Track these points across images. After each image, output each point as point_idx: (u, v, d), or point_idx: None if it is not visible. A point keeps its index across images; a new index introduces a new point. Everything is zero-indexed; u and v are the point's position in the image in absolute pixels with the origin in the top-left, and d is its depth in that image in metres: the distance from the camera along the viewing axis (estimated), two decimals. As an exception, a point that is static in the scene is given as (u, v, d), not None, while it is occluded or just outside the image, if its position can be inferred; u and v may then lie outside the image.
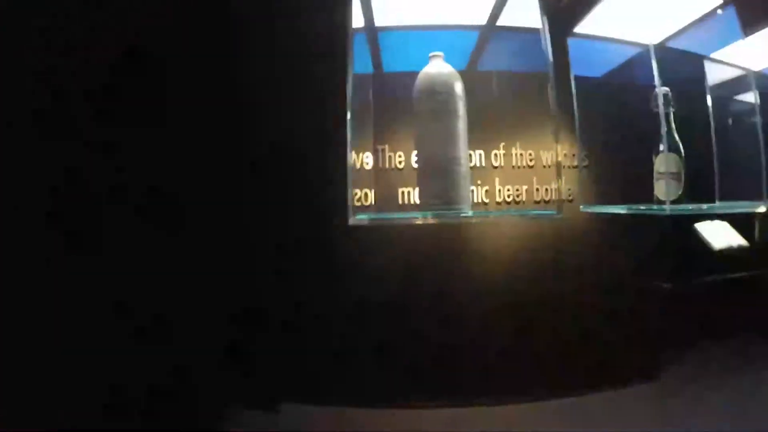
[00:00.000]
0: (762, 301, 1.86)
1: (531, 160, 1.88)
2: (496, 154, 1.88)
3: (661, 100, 1.57)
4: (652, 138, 1.60)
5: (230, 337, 1.55)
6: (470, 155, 1.68)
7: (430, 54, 1.47)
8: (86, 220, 1.23)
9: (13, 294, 1.06)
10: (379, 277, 1.64)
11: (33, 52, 1.13)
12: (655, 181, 1.60)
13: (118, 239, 1.26)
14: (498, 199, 1.86)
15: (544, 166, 1.87)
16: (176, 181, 1.42)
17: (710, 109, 1.83)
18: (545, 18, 1.45)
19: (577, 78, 1.79)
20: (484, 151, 1.85)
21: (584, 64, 1.86)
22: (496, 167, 1.88)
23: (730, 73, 1.88)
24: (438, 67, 1.45)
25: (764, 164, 1.70)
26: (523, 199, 1.87)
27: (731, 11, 1.74)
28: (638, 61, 1.82)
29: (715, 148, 1.79)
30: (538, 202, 1.88)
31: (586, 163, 1.89)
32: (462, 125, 1.42)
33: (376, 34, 1.71)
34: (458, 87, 1.43)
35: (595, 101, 1.79)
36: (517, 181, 1.87)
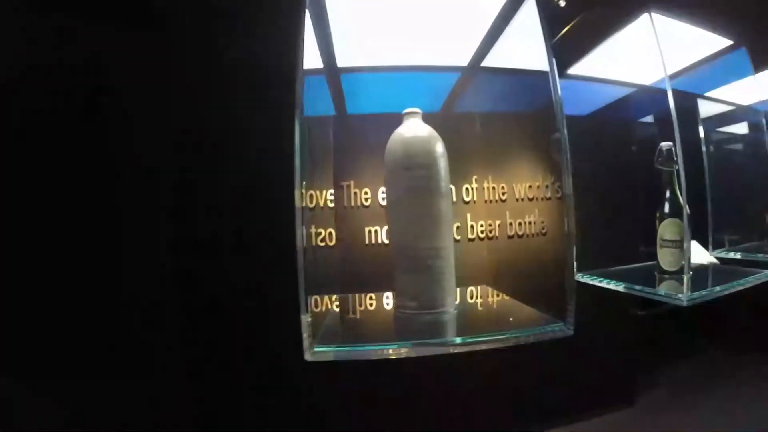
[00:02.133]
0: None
1: (504, 194, 1.51)
2: (467, 189, 1.50)
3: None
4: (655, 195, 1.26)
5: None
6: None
7: (405, 111, 1.07)
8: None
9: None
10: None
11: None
12: (658, 247, 1.27)
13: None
14: (470, 236, 1.49)
15: (517, 200, 1.51)
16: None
17: (704, 148, 1.50)
18: (553, 59, 1.05)
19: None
20: (454, 186, 1.45)
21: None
22: (467, 202, 1.51)
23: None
24: (415, 131, 1.03)
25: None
26: (497, 234, 1.50)
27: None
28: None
29: (709, 191, 1.46)
30: (511, 237, 1.50)
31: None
32: (445, 205, 1.01)
33: (338, 75, 1.30)
34: (441, 156, 1.01)
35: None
36: (489, 215, 1.49)
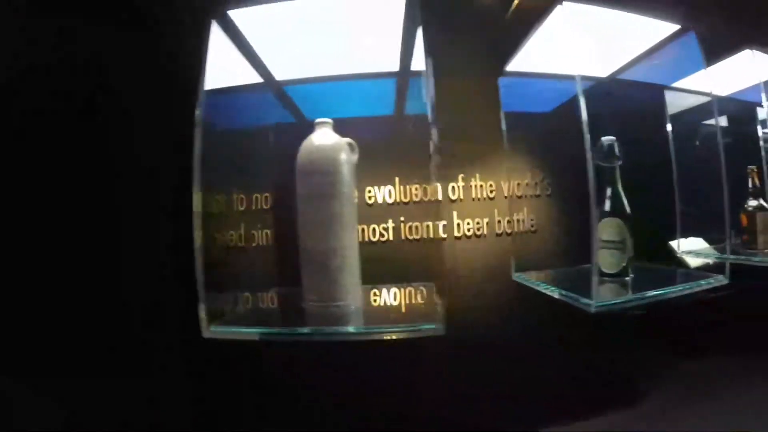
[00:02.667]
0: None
1: (492, 192, 1.42)
2: (453, 187, 1.41)
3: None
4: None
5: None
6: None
7: (317, 121, 1.06)
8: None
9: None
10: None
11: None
12: (598, 248, 1.05)
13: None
14: (457, 234, 1.41)
15: (506, 197, 1.42)
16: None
17: (671, 143, 1.34)
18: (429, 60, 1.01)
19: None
20: (441, 184, 1.37)
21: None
22: (454, 200, 1.41)
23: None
24: (319, 139, 1.03)
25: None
26: (485, 232, 1.41)
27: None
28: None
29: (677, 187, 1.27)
30: (499, 235, 1.41)
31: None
32: (348, 208, 1.01)
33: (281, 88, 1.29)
34: (344, 163, 1.01)
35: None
36: (477, 214, 1.40)
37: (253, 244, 1.27)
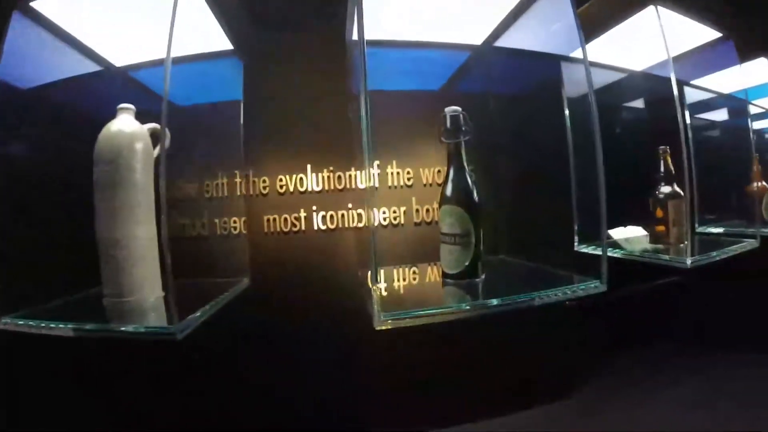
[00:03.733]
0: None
1: (409, 180, 1.23)
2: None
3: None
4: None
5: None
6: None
7: (118, 107, 0.88)
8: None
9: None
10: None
11: None
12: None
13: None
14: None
15: (425, 185, 1.23)
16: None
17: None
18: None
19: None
20: (357, 172, 1.20)
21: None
22: None
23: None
24: (115, 126, 0.85)
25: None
26: (402, 221, 1.22)
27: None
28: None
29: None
30: (418, 224, 1.22)
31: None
32: (137, 197, 0.83)
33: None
34: (136, 151, 0.84)
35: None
36: (394, 202, 1.21)
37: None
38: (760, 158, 1.22)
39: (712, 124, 1.31)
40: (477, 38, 1.11)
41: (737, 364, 1.29)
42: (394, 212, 1.22)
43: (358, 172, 1.17)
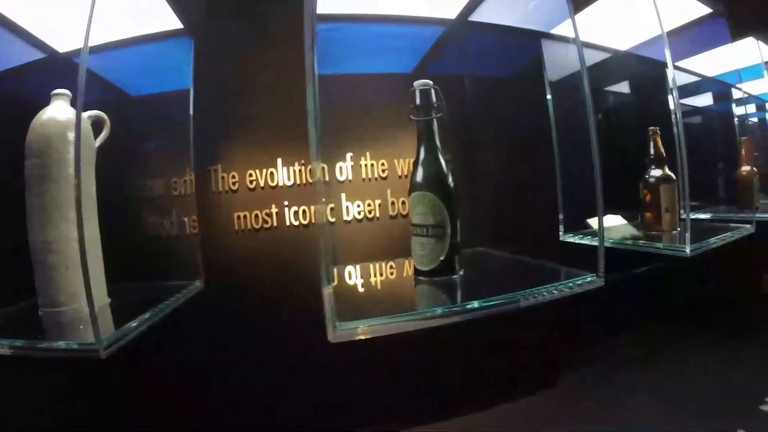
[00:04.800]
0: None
1: (384, 171, 1.04)
2: (341, 168, 1.03)
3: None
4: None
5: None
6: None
7: (53, 92, 0.68)
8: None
9: None
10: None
11: None
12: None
13: None
14: (347, 218, 1.04)
15: (400, 177, 1.04)
16: None
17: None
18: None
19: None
20: (327, 164, 1.02)
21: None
22: (342, 182, 1.04)
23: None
24: (45, 115, 0.66)
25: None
26: (377, 215, 1.04)
27: None
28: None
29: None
30: (394, 217, 1.04)
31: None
32: (60, 194, 0.63)
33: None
34: (69, 142, 0.64)
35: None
36: (368, 195, 1.03)
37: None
38: (748, 142, 1.05)
39: (697, 108, 1.13)
40: (451, 12, 0.91)
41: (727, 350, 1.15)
42: (369, 205, 1.06)
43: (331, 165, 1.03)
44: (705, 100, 1.14)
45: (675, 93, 0.74)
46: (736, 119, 1.11)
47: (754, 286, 1.24)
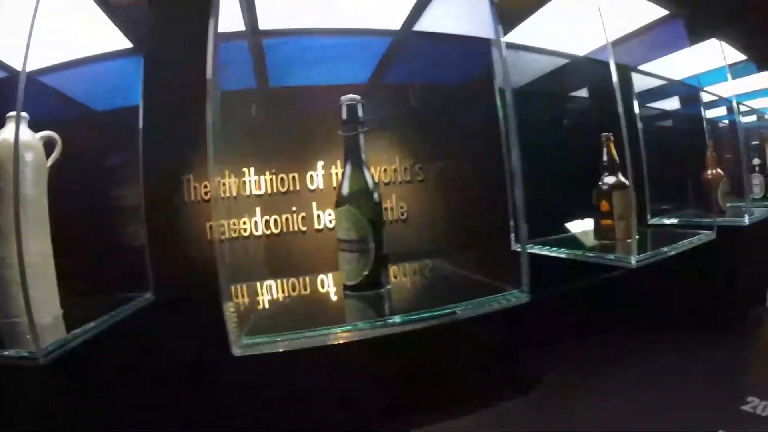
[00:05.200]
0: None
1: None
2: (312, 176, 1.02)
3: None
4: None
5: None
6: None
7: (7, 115, 0.68)
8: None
9: None
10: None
11: None
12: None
13: None
14: (318, 226, 1.01)
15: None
16: None
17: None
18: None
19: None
20: (297, 173, 1.00)
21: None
22: (312, 190, 1.02)
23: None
24: (3, 135, 0.67)
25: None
26: None
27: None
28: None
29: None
30: None
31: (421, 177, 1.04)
32: (25, 211, 0.63)
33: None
34: (24, 162, 0.65)
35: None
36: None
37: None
38: (715, 145, 1.00)
39: (663, 112, 1.08)
40: (396, 23, 0.89)
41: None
42: None
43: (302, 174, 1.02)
44: (671, 103, 1.08)
45: (619, 96, 0.70)
46: (705, 122, 1.05)
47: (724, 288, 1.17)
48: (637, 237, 0.83)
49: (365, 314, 0.60)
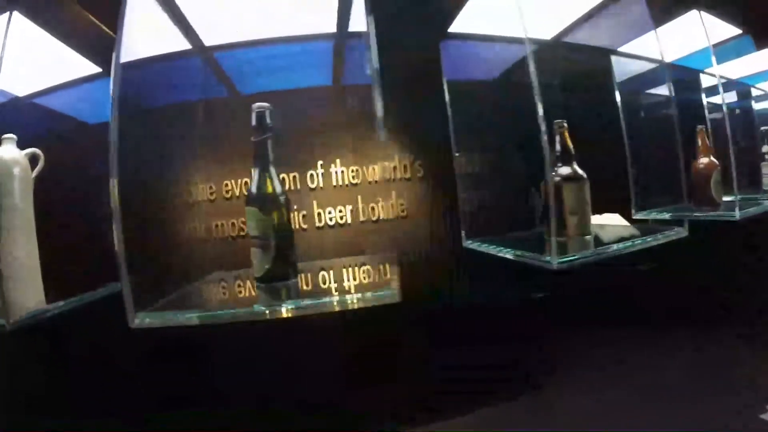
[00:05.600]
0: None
1: (354, 178, 1.09)
2: (312, 175, 1.10)
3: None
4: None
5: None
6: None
7: (3, 137, 0.81)
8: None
9: None
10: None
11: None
12: None
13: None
14: (319, 224, 1.09)
15: (370, 183, 1.09)
16: None
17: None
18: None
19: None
20: (298, 173, 1.08)
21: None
22: (313, 189, 1.10)
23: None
24: None
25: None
26: (348, 220, 1.09)
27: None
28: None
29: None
30: (364, 222, 1.08)
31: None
32: (14, 220, 0.77)
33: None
34: (13, 177, 0.78)
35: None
36: (339, 201, 1.09)
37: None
38: (704, 131, 0.88)
39: (644, 96, 0.97)
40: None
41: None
42: (340, 211, 1.09)
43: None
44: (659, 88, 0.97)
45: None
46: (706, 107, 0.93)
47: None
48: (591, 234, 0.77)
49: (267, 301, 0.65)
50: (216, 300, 0.75)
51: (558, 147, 0.81)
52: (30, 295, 0.79)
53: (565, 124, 0.80)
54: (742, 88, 1.07)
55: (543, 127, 0.59)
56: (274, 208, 0.65)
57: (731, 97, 1.10)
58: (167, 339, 0.93)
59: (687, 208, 0.88)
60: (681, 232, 0.76)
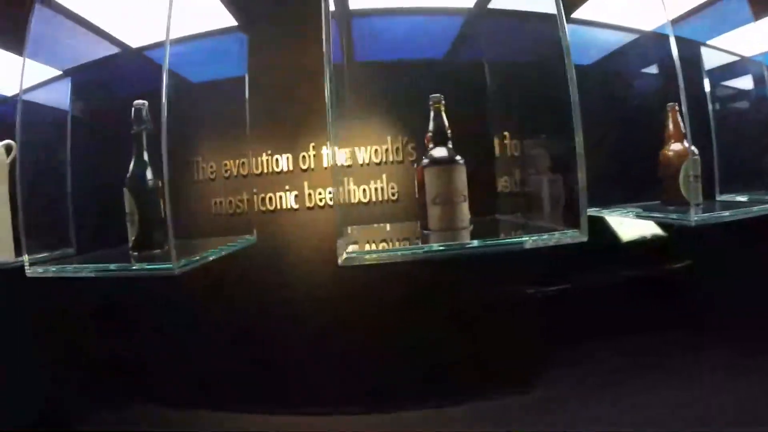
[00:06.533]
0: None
1: (346, 160, 1.10)
2: (304, 156, 1.12)
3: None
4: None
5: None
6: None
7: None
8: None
9: None
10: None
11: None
12: None
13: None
14: (309, 204, 1.13)
15: (362, 165, 1.10)
16: None
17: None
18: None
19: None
20: (291, 154, 1.12)
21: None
22: (305, 170, 1.12)
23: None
24: None
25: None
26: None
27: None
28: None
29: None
30: (355, 204, 1.10)
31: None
32: None
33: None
34: None
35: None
36: (330, 183, 1.09)
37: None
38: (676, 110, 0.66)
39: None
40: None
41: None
42: (330, 193, 1.10)
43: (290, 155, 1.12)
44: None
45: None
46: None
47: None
48: (471, 227, 0.66)
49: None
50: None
51: (431, 125, 0.70)
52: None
53: (442, 99, 0.68)
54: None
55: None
56: (139, 189, 0.76)
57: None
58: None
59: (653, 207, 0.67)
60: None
